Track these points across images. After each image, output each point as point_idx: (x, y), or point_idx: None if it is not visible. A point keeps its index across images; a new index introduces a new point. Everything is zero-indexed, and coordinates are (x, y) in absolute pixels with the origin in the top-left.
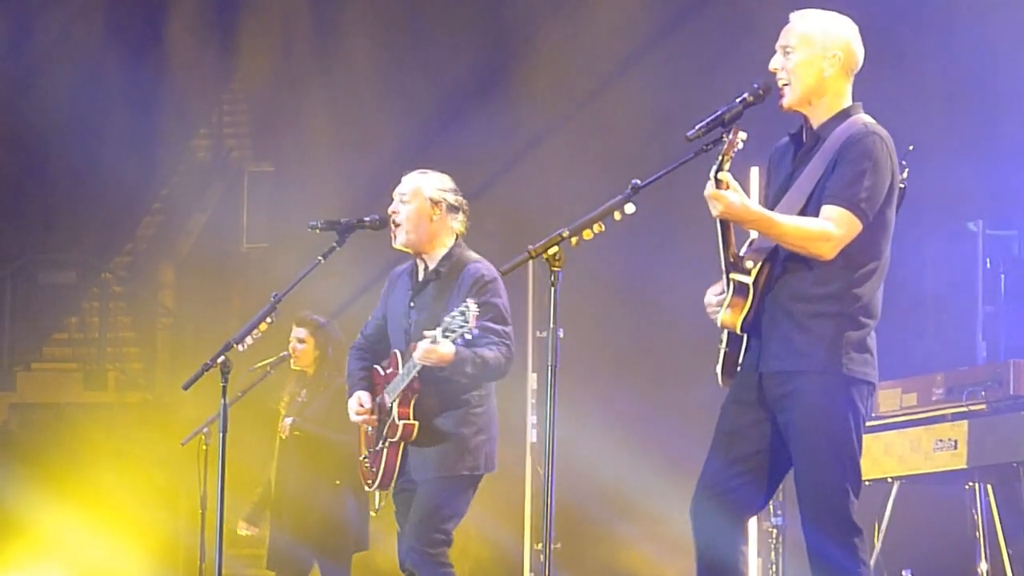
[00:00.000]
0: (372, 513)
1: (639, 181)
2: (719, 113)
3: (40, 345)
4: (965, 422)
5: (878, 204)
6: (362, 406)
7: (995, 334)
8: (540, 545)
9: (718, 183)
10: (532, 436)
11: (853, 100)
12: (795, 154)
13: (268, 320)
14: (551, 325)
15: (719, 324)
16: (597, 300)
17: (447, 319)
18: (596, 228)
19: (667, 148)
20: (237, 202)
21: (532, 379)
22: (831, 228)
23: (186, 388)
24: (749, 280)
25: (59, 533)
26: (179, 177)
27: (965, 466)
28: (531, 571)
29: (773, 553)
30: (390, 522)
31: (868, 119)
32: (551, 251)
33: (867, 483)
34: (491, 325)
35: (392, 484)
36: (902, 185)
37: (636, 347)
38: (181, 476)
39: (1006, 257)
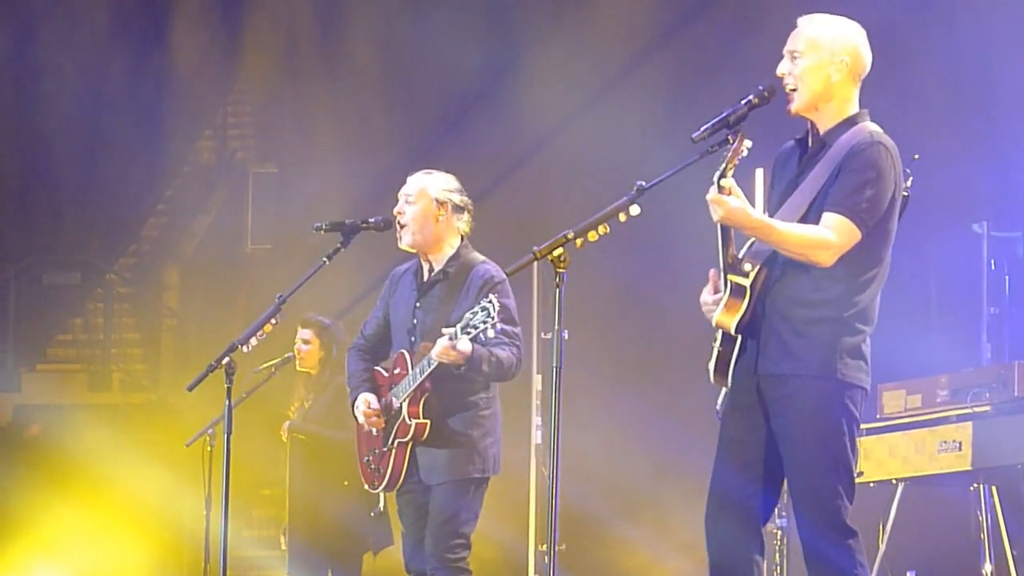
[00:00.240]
0: (370, 515)
1: (644, 183)
2: (724, 115)
3: (44, 346)
4: (970, 423)
5: (879, 214)
6: (370, 407)
7: (999, 335)
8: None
9: (720, 189)
10: (537, 437)
11: (860, 106)
12: (800, 159)
13: (273, 321)
14: (556, 327)
15: (714, 324)
16: (602, 302)
17: (468, 315)
18: (601, 230)
19: (672, 150)
20: (241, 203)
21: (537, 380)
22: (830, 236)
23: (190, 389)
24: (747, 282)
25: (63, 534)
26: (183, 178)
27: (969, 468)
28: (535, 572)
29: (777, 555)
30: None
31: (875, 128)
32: (556, 252)
33: (871, 484)
34: (503, 326)
35: (399, 485)
36: (905, 193)
37: (641, 349)
38: (185, 477)
39: (1011, 258)
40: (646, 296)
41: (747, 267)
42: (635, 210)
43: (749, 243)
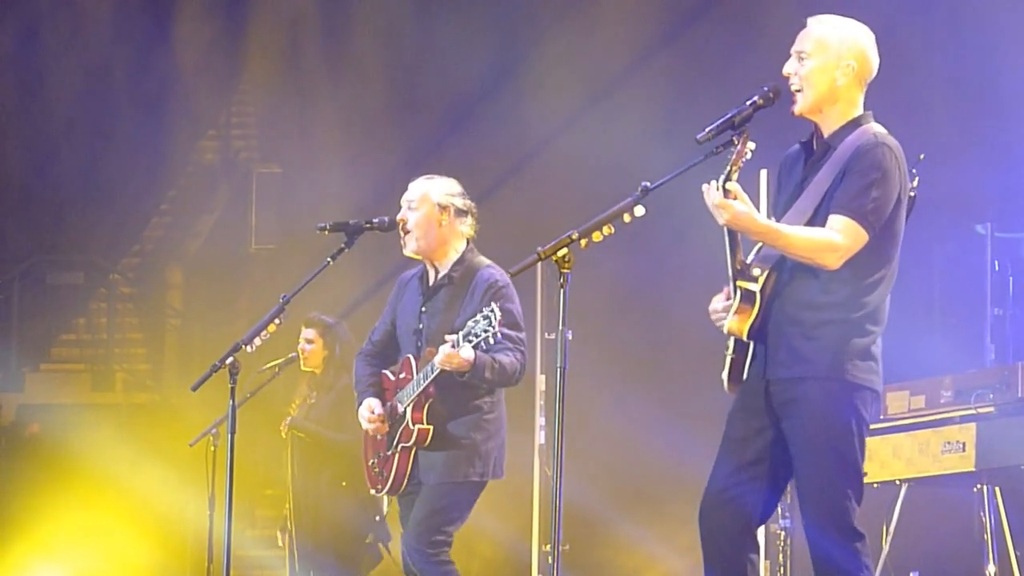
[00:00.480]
0: (376, 518)
1: (649, 183)
2: (729, 116)
3: (48, 346)
4: (973, 424)
5: (885, 215)
6: (373, 412)
7: (1003, 336)
8: (548, 546)
9: (726, 192)
10: (540, 438)
11: (865, 108)
12: (805, 162)
13: (277, 321)
14: (560, 327)
15: (725, 331)
16: (606, 302)
17: (470, 323)
18: (606, 230)
19: (677, 150)
20: (245, 203)
21: (541, 381)
22: (837, 239)
23: (194, 389)
24: (756, 287)
25: (67, 533)
26: (187, 178)
27: (973, 468)
28: (539, 572)
29: (781, 555)
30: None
31: (879, 129)
32: (560, 253)
33: (875, 485)
34: (507, 331)
35: (402, 489)
36: (912, 194)
37: (645, 349)
38: (189, 477)
39: (1014, 260)
40: (650, 297)
41: (756, 272)
42: (640, 211)
43: (757, 248)
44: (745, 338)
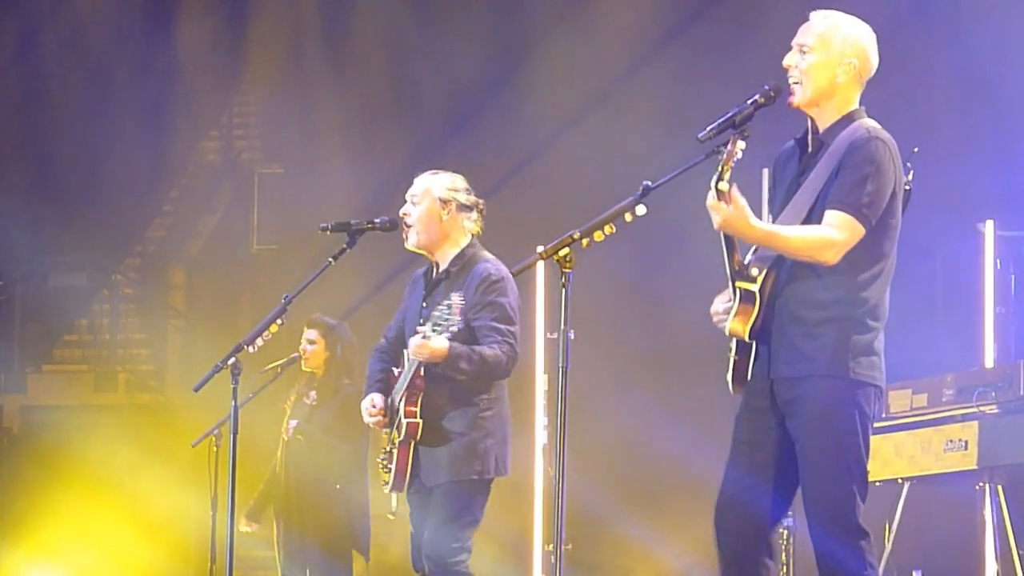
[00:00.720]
0: (389, 516)
1: (650, 183)
2: (730, 115)
3: (50, 347)
4: (975, 423)
5: (881, 209)
6: (374, 407)
7: (1005, 335)
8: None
9: (719, 193)
10: (543, 438)
11: (861, 104)
12: (800, 158)
13: (279, 322)
14: (562, 327)
15: (727, 333)
16: (608, 302)
17: (435, 313)
18: (607, 230)
19: (678, 150)
20: (247, 204)
21: (543, 381)
22: (833, 234)
23: (197, 390)
24: (755, 287)
25: (69, 534)
26: (189, 179)
27: (975, 467)
28: (542, 572)
29: (784, 554)
30: (404, 520)
31: (872, 123)
32: (562, 253)
33: (877, 484)
34: (495, 324)
35: (406, 485)
36: (907, 187)
37: (647, 349)
38: (192, 478)
39: (1016, 258)
40: (652, 296)
41: (754, 272)
42: (641, 210)
43: (754, 247)
44: (747, 339)
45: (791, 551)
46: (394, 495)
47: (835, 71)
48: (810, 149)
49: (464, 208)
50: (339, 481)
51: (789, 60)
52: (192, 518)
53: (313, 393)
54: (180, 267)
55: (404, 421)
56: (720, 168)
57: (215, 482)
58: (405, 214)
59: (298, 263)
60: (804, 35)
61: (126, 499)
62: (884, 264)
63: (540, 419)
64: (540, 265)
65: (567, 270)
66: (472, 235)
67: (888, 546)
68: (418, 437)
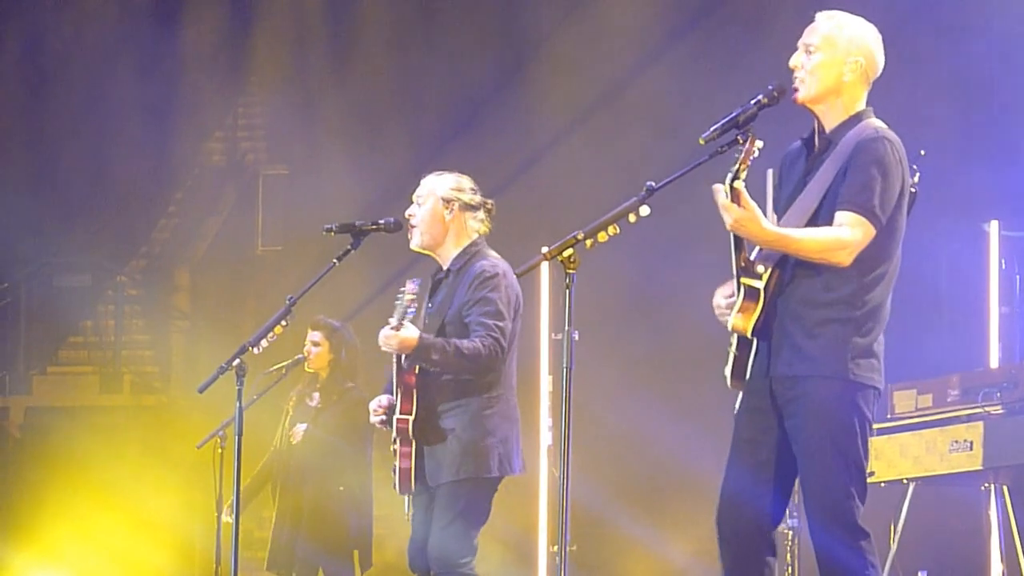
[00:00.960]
0: (405, 518)
1: (654, 183)
2: (734, 115)
3: (55, 348)
4: (981, 423)
5: (891, 208)
6: (380, 406)
7: (1010, 335)
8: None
9: (733, 192)
10: (547, 438)
11: (867, 105)
12: (807, 158)
13: (283, 323)
14: (566, 327)
15: (729, 328)
16: (612, 302)
17: (396, 302)
18: (611, 230)
19: (682, 150)
20: (252, 205)
21: (547, 381)
22: (845, 235)
23: (201, 391)
24: (760, 285)
25: (74, 536)
26: (193, 180)
27: (981, 467)
28: (547, 573)
29: (788, 555)
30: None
31: (879, 123)
32: (566, 253)
33: (882, 484)
34: (482, 319)
35: (411, 487)
36: (913, 190)
37: (651, 349)
38: (197, 479)
39: (1021, 258)
40: (656, 297)
41: (760, 269)
42: (645, 210)
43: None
44: (749, 335)
45: (795, 552)
46: (407, 497)
47: (841, 69)
48: (816, 149)
49: (469, 208)
50: (342, 482)
51: (795, 60)
52: (197, 519)
53: (316, 395)
54: (185, 268)
55: (395, 419)
56: (736, 167)
57: (220, 483)
58: (410, 215)
59: (302, 265)
60: (810, 35)
61: (131, 500)
62: (888, 266)
63: (544, 420)
64: (544, 266)
65: (571, 271)
66: (479, 235)
67: (893, 547)
68: (410, 436)
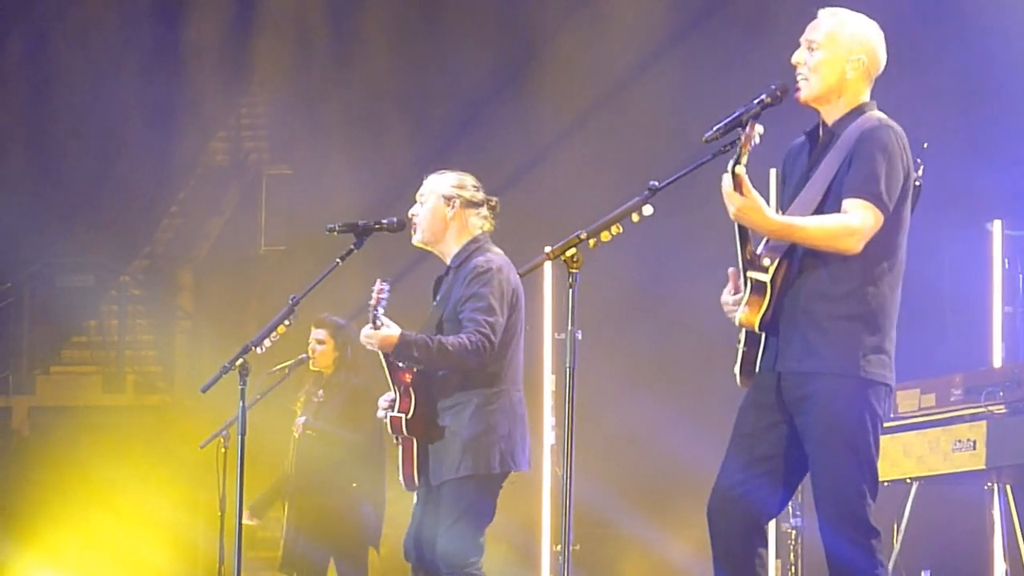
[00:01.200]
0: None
1: (657, 183)
2: (737, 115)
3: (59, 348)
4: (984, 423)
5: (897, 194)
6: (387, 401)
7: (1013, 335)
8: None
9: (735, 177)
10: (551, 438)
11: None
12: (810, 152)
13: (286, 322)
14: (569, 327)
15: (737, 323)
16: (615, 302)
17: (368, 303)
18: (614, 230)
19: (685, 149)
20: (255, 205)
21: (550, 381)
22: (853, 221)
23: (205, 391)
24: (767, 278)
25: (78, 536)
26: (197, 180)
27: (984, 467)
28: (550, 572)
29: (792, 554)
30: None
31: (881, 114)
32: (569, 253)
33: (886, 484)
34: (472, 315)
35: (415, 483)
36: (917, 183)
37: (655, 349)
38: (200, 479)
39: None
40: (659, 296)
41: (766, 262)
42: (648, 210)
43: (767, 238)
44: (757, 329)
45: (799, 551)
46: (415, 494)
47: (844, 67)
48: (819, 142)
49: (471, 204)
50: (354, 478)
51: (798, 57)
52: (200, 519)
53: (321, 392)
54: (188, 268)
55: (390, 418)
56: (738, 152)
57: (223, 483)
58: (413, 213)
59: (305, 264)
60: (812, 32)
61: (134, 500)
62: (894, 259)
63: (548, 419)
64: (547, 265)
65: (574, 270)
66: (482, 231)
67: (897, 546)
68: (406, 433)
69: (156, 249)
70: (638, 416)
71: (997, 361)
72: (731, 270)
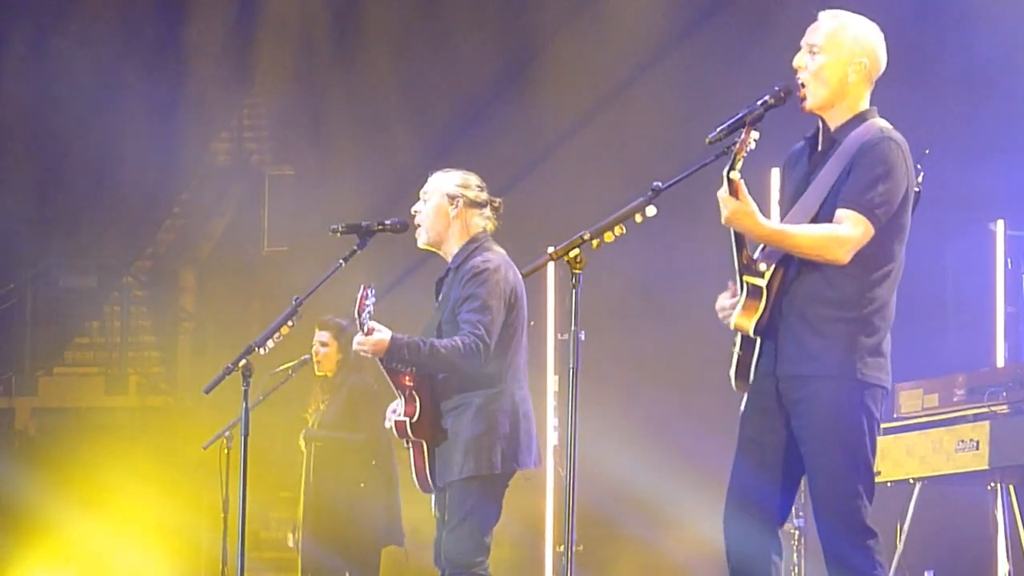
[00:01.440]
0: (433, 515)
1: (660, 184)
2: (740, 116)
3: (62, 349)
4: (987, 423)
5: (892, 209)
6: (392, 411)
7: (1016, 335)
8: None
9: (730, 183)
10: (554, 439)
11: (872, 104)
12: (810, 157)
13: (289, 323)
14: (572, 328)
15: (732, 327)
16: (618, 303)
17: (354, 311)
18: (617, 231)
19: (688, 150)
20: (258, 205)
21: (553, 382)
22: (843, 232)
23: (207, 392)
24: (763, 283)
25: (81, 537)
26: (199, 181)
27: (987, 467)
28: (553, 573)
29: (795, 555)
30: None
31: (884, 124)
32: (572, 253)
33: (889, 484)
34: (467, 315)
35: (429, 485)
36: (917, 189)
37: (657, 349)
38: (203, 480)
39: None
40: (663, 297)
41: (762, 267)
42: (651, 211)
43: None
44: (752, 334)
45: (802, 551)
46: (432, 496)
47: (845, 71)
48: (820, 148)
49: (474, 204)
50: (363, 479)
51: (799, 61)
52: (203, 520)
53: (327, 399)
54: (191, 269)
55: (395, 422)
56: (732, 157)
57: (226, 484)
58: (415, 212)
59: (309, 265)
60: (813, 35)
61: (136, 501)
62: (892, 266)
63: (551, 420)
64: (550, 266)
65: (577, 271)
66: (484, 231)
67: (900, 546)
68: (412, 436)
69: (159, 250)
70: (642, 417)
71: (1000, 361)
72: (731, 284)
